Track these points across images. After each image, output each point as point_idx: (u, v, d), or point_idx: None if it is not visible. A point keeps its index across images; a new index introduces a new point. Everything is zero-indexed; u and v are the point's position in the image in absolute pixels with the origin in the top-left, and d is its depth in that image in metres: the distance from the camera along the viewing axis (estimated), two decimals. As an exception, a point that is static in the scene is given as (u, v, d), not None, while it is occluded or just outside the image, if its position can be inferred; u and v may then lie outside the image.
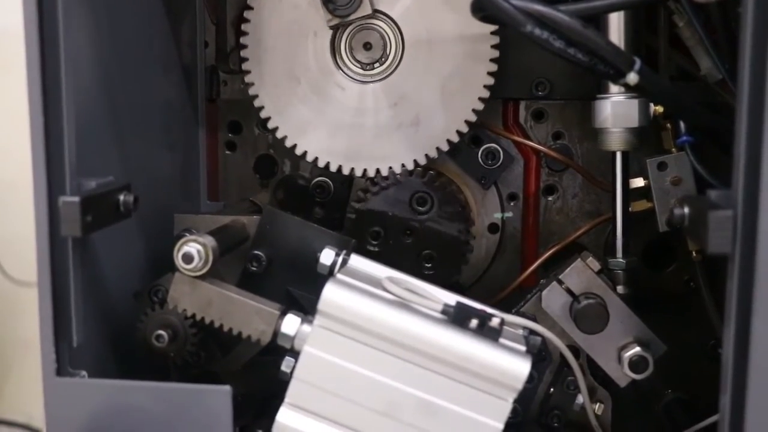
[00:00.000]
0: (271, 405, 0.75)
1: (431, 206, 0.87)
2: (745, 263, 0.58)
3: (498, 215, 0.97)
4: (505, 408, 0.65)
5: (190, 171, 0.98)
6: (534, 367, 0.80)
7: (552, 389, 0.82)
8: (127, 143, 0.79)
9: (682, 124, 0.82)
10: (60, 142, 0.66)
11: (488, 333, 0.66)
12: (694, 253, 0.88)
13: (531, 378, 0.81)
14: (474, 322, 0.66)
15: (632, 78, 0.69)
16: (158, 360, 0.76)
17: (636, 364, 0.78)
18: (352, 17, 0.84)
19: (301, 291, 0.82)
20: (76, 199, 0.64)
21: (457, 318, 0.66)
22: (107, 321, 0.74)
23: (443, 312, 0.67)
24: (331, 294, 0.66)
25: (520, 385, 0.64)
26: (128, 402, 0.67)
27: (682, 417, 0.90)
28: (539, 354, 0.80)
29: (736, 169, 0.58)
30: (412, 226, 0.87)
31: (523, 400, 0.81)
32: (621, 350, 0.79)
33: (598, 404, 0.82)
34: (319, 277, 0.72)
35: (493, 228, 0.97)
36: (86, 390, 0.68)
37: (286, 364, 0.70)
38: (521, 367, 0.64)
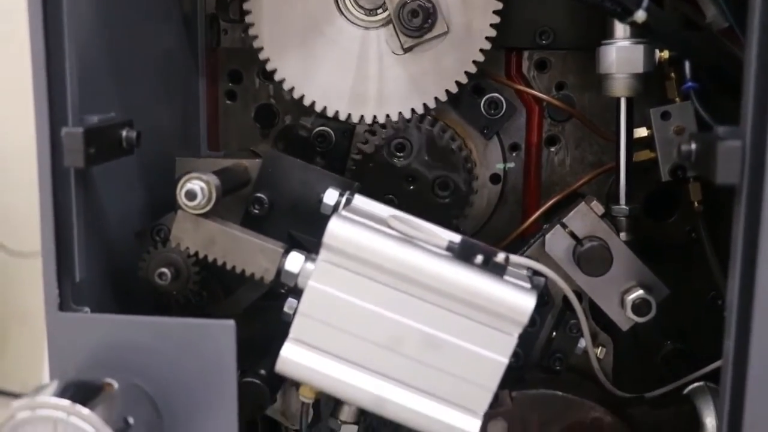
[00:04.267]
0: (272, 349, 0.75)
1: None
2: (752, 195, 0.58)
3: (500, 166, 0.96)
4: (510, 343, 0.65)
5: (190, 120, 0.97)
6: (536, 311, 0.80)
7: (554, 333, 0.82)
8: (128, 90, 0.78)
9: (687, 71, 0.82)
10: (62, 77, 0.65)
11: (493, 268, 0.66)
12: (695, 203, 0.88)
13: (533, 322, 0.81)
14: (479, 258, 0.66)
15: (640, 15, 0.68)
16: (160, 299, 0.76)
17: (639, 307, 0.78)
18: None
19: (303, 235, 0.81)
20: (80, 129, 0.63)
21: (462, 254, 0.66)
22: (109, 259, 0.74)
23: (448, 248, 0.67)
24: (336, 227, 0.65)
25: (525, 320, 0.64)
26: (131, 337, 0.67)
27: (681, 367, 0.90)
28: (542, 298, 0.81)
29: (745, 103, 0.58)
30: (413, 172, 0.87)
31: (525, 344, 0.82)
32: (624, 294, 0.79)
33: (600, 348, 0.82)
34: (321, 221, 0.72)
35: (494, 179, 0.97)
36: (89, 325, 0.67)
37: (288, 305, 0.70)
38: (527, 302, 0.64)
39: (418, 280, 0.64)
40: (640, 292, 0.78)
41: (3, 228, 2.03)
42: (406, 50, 0.83)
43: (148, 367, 0.67)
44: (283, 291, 0.72)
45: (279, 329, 0.70)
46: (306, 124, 0.97)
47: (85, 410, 0.59)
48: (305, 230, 0.81)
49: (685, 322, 0.94)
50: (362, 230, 0.65)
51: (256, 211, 0.81)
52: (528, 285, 0.67)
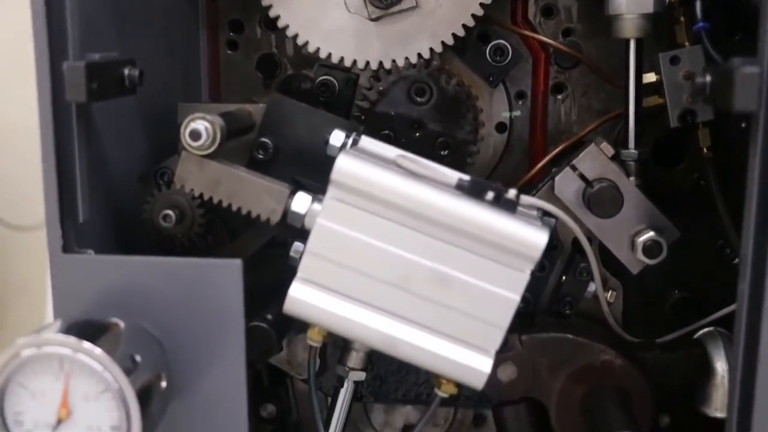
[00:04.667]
0: (278, 296, 0.74)
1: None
2: (769, 122, 0.57)
3: (506, 114, 0.95)
4: (523, 280, 0.64)
5: (192, 71, 0.95)
6: (546, 255, 0.79)
7: (563, 278, 0.81)
8: (129, 36, 0.76)
9: (698, 10, 0.80)
10: (62, 12, 0.64)
11: (505, 205, 0.65)
12: (704, 149, 0.87)
13: (542, 267, 0.81)
14: (490, 195, 0.65)
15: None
16: (165, 242, 0.75)
17: (650, 248, 0.77)
18: None
19: (308, 180, 0.80)
20: (81, 63, 0.62)
21: (472, 190, 0.65)
22: (113, 203, 0.73)
23: (458, 186, 0.66)
24: (344, 163, 0.64)
25: (538, 255, 0.63)
26: (136, 278, 0.66)
27: (690, 316, 0.89)
28: (551, 242, 0.80)
29: (763, 32, 0.57)
30: (418, 119, 0.86)
31: (534, 289, 0.81)
32: (634, 236, 0.78)
33: (610, 292, 0.81)
34: (327, 166, 0.71)
35: (500, 127, 0.95)
36: (93, 267, 0.66)
37: (294, 250, 0.68)
38: (539, 237, 0.63)
39: (428, 216, 0.63)
40: (651, 233, 0.77)
41: (2, 202, 2.01)
42: (374, 20, 0.81)
43: (153, 310, 0.66)
44: (288, 241, 0.71)
45: (285, 277, 0.69)
46: (309, 74, 0.96)
47: (92, 347, 0.58)
48: (310, 176, 0.80)
49: (693, 272, 0.93)
50: (371, 166, 0.64)
51: (261, 157, 0.80)
52: (539, 222, 0.66)
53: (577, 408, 0.76)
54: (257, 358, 0.72)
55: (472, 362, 0.65)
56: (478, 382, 0.66)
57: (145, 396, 0.60)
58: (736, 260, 0.88)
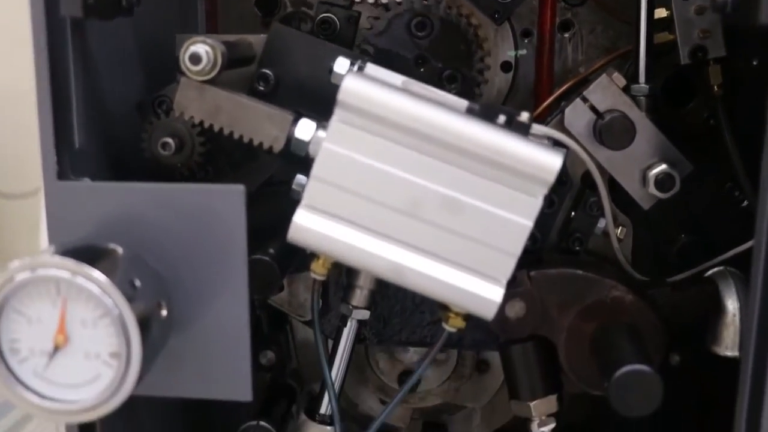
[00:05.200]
0: (279, 233, 0.72)
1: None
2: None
3: (511, 53, 0.93)
4: (535, 205, 0.62)
5: (189, 8, 0.93)
6: (554, 191, 0.77)
7: (573, 214, 0.79)
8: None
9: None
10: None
11: (517, 127, 0.62)
12: (715, 87, 0.85)
13: (551, 203, 0.78)
14: (502, 118, 0.63)
15: None
16: (164, 173, 0.72)
17: (662, 182, 0.75)
18: None
19: (311, 113, 0.78)
20: (76, -25, 0.59)
21: (483, 114, 0.63)
22: (110, 131, 0.70)
23: (468, 110, 0.64)
24: (351, 84, 0.62)
25: (552, 178, 0.61)
26: (134, 206, 0.63)
27: (698, 259, 0.87)
28: (559, 177, 0.77)
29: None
30: (421, 54, 0.83)
31: (542, 226, 0.79)
32: (646, 170, 0.76)
33: (620, 228, 0.79)
34: (330, 97, 0.68)
35: (506, 66, 0.93)
36: (89, 194, 0.64)
37: (297, 182, 0.66)
38: (553, 159, 0.61)
39: (438, 138, 0.61)
40: (664, 166, 0.75)
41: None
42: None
43: (152, 240, 0.64)
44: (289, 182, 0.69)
45: (286, 214, 0.66)
46: (309, 12, 0.93)
47: (91, 269, 0.55)
48: (313, 108, 0.77)
49: (701, 214, 0.91)
50: (379, 87, 0.62)
51: (261, 89, 0.77)
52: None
53: (587, 346, 0.75)
54: (259, 292, 0.70)
55: (482, 291, 0.63)
56: (489, 312, 0.64)
57: (145, 323, 0.57)
58: (746, 202, 0.87)
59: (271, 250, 0.72)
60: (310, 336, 0.98)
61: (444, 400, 0.96)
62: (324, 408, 0.80)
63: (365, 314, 0.77)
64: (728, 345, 0.77)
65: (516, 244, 0.63)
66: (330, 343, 0.81)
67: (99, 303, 0.56)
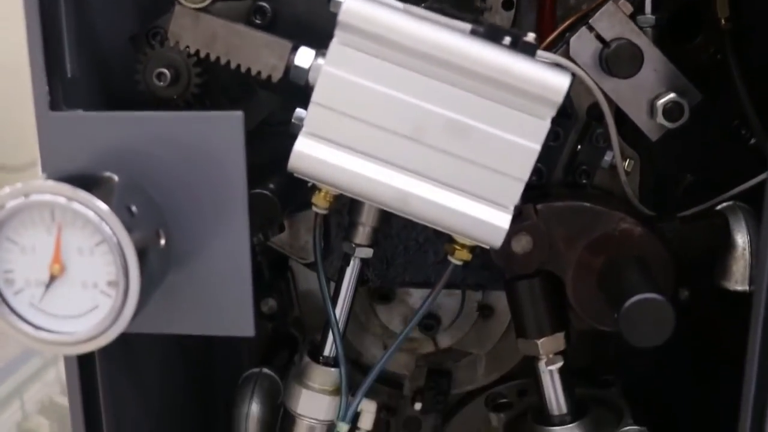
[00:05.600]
0: (278, 170, 0.70)
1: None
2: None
3: (513, -10, 0.90)
4: (543, 128, 0.60)
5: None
6: (559, 124, 0.75)
7: (579, 147, 0.77)
8: None
9: None
10: None
11: (523, 48, 0.60)
12: (722, 20, 0.83)
13: (556, 135, 0.77)
14: (507, 39, 0.61)
15: None
16: (160, 107, 0.70)
17: (671, 111, 0.73)
18: None
19: (309, 48, 0.76)
20: None
21: (488, 35, 0.61)
22: (103, 63, 0.68)
23: (473, 32, 0.62)
24: (353, 4, 0.59)
25: (560, 99, 0.59)
26: (129, 136, 0.61)
27: (704, 198, 0.86)
28: (564, 110, 0.76)
29: None
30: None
31: (546, 160, 0.77)
32: (654, 100, 0.74)
33: (627, 161, 0.77)
34: (329, 32, 0.66)
35: (507, 5, 0.90)
36: (83, 124, 0.62)
37: (296, 116, 0.64)
38: (561, 80, 0.59)
39: (442, 58, 0.59)
40: (672, 95, 0.73)
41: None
42: None
43: (149, 170, 0.62)
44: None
45: (285, 153, 0.64)
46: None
47: (87, 194, 0.54)
48: (310, 44, 0.75)
49: (707, 154, 0.89)
50: (381, 7, 0.60)
51: (258, 22, 0.75)
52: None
53: (595, 280, 0.73)
54: (261, 227, 0.69)
55: (489, 218, 0.62)
56: (496, 240, 0.63)
57: (143, 251, 0.56)
58: (753, 140, 0.85)
59: (272, 186, 0.70)
60: (312, 285, 0.96)
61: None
62: (328, 350, 0.79)
63: (368, 252, 0.75)
64: (738, 280, 0.75)
65: (523, 169, 0.61)
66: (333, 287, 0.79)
67: (96, 229, 0.54)
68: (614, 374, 0.89)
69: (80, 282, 0.56)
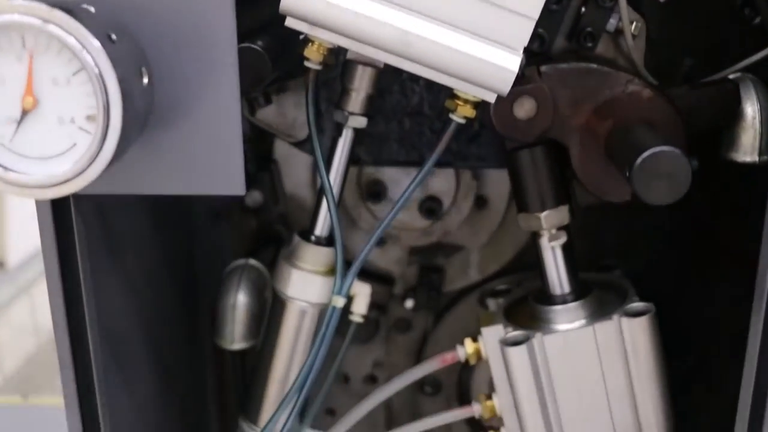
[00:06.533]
0: (267, 28, 0.66)
1: None
2: None
3: None
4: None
5: None
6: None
7: (583, 9, 0.73)
8: None
9: None
10: None
11: None
12: None
13: (559, -2, 0.72)
14: None
15: None
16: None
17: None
18: None
19: None
20: None
21: None
22: None
23: None
24: None
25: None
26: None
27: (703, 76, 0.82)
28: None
29: None
30: None
31: (549, 25, 0.73)
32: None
33: (634, 23, 0.73)
34: None
35: None
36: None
37: None
38: None
39: None
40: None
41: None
42: None
43: (130, 17, 0.56)
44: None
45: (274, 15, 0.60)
46: None
47: (65, 16, 0.48)
48: None
49: (707, 35, 0.86)
50: None
51: None
52: None
53: (601, 147, 0.69)
54: (251, 83, 0.64)
55: (498, 60, 0.58)
56: (505, 85, 0.59)
57: (125, 84, 0.51)
58: (758, 19, 0.82)
59: (260, 42, 0.65)
60: (297, 179, 0.92)
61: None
62: (320, 228, 0.75)
63: (362, 122, 0.71)
64: (746, 150, 0.72)
65: (533, 5, 0.57)
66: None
67: (74, 56, 0.49)
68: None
69: (56, 116, 0.51)
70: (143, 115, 0.55)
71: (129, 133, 0.52)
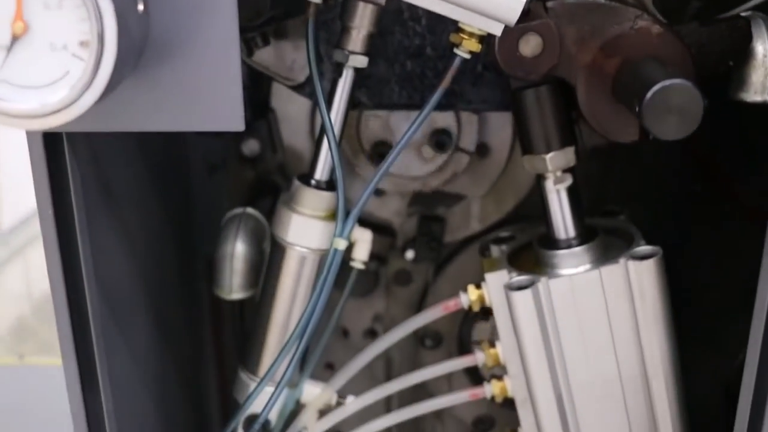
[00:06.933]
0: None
1: None
2: None
3: None
4: None
5: None
6: None
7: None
8: None
9: None
10: None
11: None
12: None
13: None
14: None
15: None
16: None
17: None
18: None
19: None
20: None
21: None
22: None
23: None
24: None
25: None
26: None
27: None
28: None
29: None
30: None
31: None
32: None
33: (643, -44, 0.71)
34: None
35: None
36: None
37: None
38: None
39: None
40: None
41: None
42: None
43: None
44: None
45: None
46: None
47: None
48: None
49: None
50: None
51: None
52: None
53: (608, 86, 0.67)
54: (249, 18, 0.62)
55: (505, -10, 0.56)
56: (512, 15, 0.57)
57: (120, 8, 0.49)
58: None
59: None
60: (295, 135, 0.90)
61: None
62: (320, 172, 0.73)
63: (363, 61, 0.69)
64: (757, 89, 0.70)
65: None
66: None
67: (64, -22, 0.47)
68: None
69: (47, 42, 0.49)
70: (139, 43, 0.53)
71: (124, 61, 0.50)
